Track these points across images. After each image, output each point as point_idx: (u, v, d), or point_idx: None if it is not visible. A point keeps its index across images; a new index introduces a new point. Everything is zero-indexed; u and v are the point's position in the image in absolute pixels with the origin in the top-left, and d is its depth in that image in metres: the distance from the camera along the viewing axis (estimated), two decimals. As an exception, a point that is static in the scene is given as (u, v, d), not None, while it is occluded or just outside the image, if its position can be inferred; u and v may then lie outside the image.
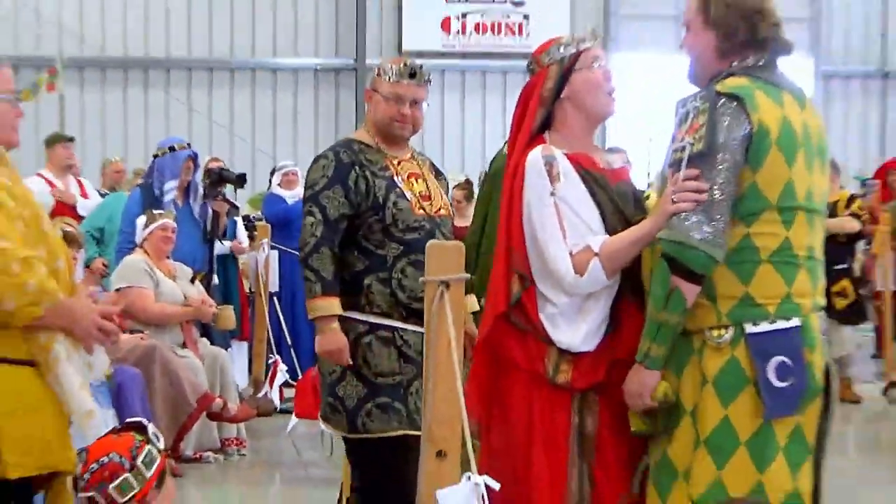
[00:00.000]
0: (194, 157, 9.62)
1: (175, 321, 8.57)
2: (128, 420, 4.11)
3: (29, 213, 3.97)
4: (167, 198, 9.25)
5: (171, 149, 9.48)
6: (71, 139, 11.58)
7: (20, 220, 3.90)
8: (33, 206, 4.05)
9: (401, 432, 4.93)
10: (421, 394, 4.29)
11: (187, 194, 9.54)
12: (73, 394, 3.93)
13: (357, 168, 5.05)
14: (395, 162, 5.16)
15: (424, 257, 3.76)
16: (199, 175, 9.77)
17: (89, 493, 3.79)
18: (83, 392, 3.97)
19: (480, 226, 5.90)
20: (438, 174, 5.38)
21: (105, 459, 3.82)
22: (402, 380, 5.00)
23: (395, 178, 5.10)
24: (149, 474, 3.84)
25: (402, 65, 5.20)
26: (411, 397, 4.95)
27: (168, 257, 8.79)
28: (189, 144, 9.81)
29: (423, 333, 3.90)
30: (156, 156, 9.56)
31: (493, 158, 5.29)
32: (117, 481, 3.79)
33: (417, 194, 5.13)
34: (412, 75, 5.16)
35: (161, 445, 3.96)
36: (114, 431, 4.04)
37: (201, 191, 9.74)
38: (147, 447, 3.89)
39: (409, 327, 4.92)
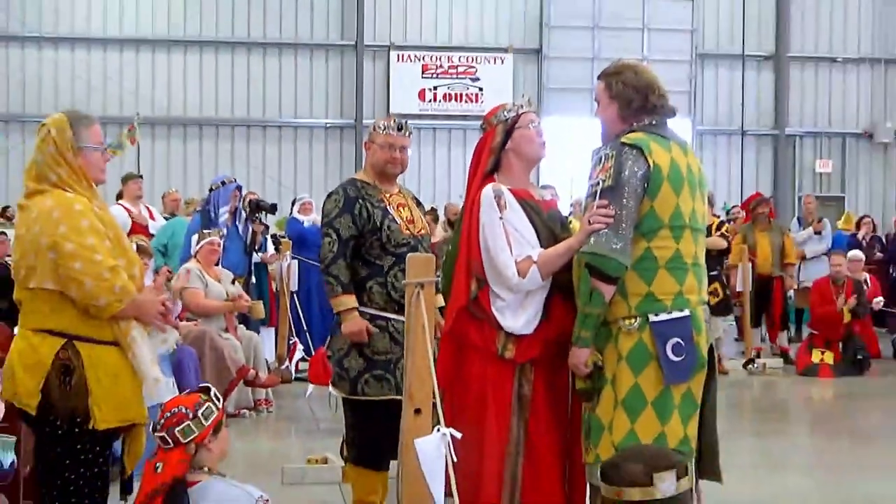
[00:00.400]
0: (240, 188, 9.66)
1: (220, 313, 8.50)
2: (200, 385, 4.14)
3: (113, 233, 3.97)
4: (221, 220, 9.24)
5: (223, 183, 9.47)
6: (140, 176, 11.48)
7: (107, 239, 3.90)
8: (116, 227, 4.05)
9: (390, 397, 4.88)
10: (406, 368, 4.26)
11: (235, 217, 9.52)
12: (146, 366, 3.93)
13: (360, 200, 5.03)
14: (388, 195, 5.14)
15: (408, 266, 3.75)
16: (241, 204, 9.76)
17: (162, 434, 3.83)
18: (153, 366, 3.98)
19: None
20: (419, 204, 5.35)
21: (175, 410, 3.88)
22: (392, 357, 4.96)
23: (388, 207, 5.08)
24: (206, 424, 3.87)
25: (391, 121, 5.20)
26: (399, 371, 4.90)
27: (218, 264, 8.74)
28: (234, 179, 9.80)
29: (407, 320, 3.88)
30: (211, 189, 9.53)
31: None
32: (181, 426, 3.83)
33: (404, 219, 5.10)
34: (399, 128, 5.16)
35: (219, 404, 3.99)
36: (188, 392, 4.11)
37: (244, 215, 9.75)
38: (208, 404, 3.92)
39: (399, 318, 4.85)
